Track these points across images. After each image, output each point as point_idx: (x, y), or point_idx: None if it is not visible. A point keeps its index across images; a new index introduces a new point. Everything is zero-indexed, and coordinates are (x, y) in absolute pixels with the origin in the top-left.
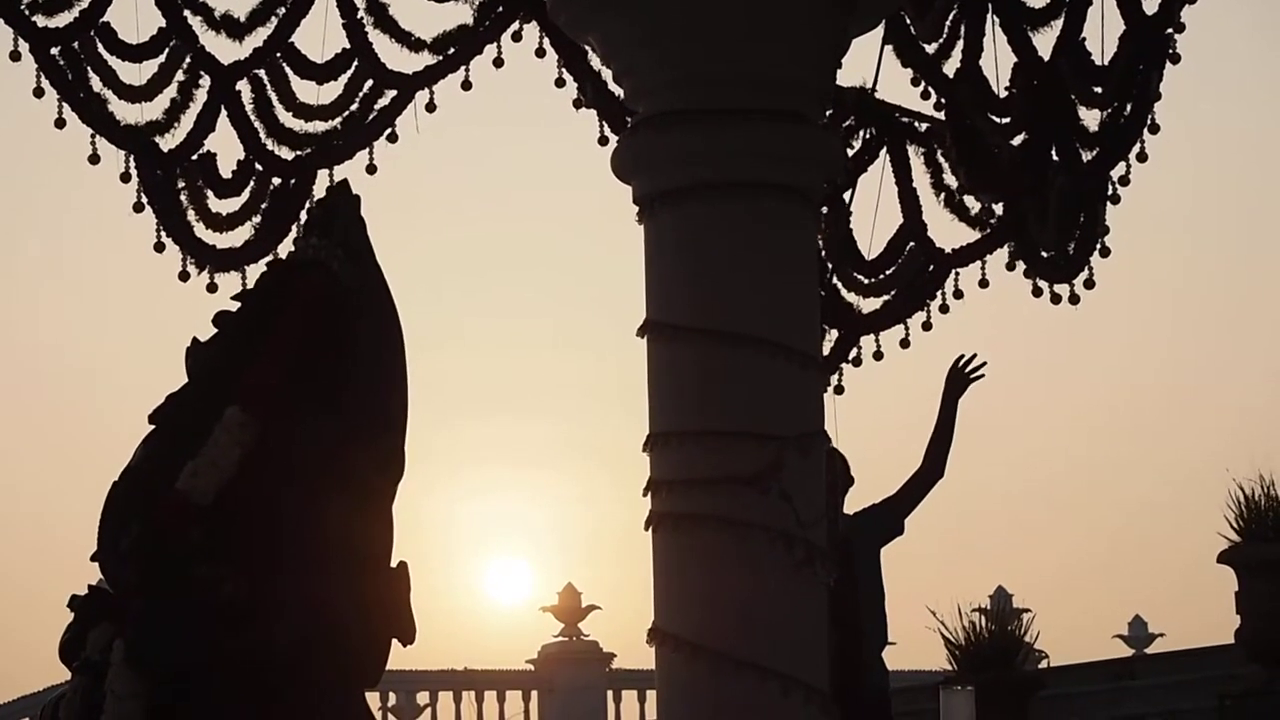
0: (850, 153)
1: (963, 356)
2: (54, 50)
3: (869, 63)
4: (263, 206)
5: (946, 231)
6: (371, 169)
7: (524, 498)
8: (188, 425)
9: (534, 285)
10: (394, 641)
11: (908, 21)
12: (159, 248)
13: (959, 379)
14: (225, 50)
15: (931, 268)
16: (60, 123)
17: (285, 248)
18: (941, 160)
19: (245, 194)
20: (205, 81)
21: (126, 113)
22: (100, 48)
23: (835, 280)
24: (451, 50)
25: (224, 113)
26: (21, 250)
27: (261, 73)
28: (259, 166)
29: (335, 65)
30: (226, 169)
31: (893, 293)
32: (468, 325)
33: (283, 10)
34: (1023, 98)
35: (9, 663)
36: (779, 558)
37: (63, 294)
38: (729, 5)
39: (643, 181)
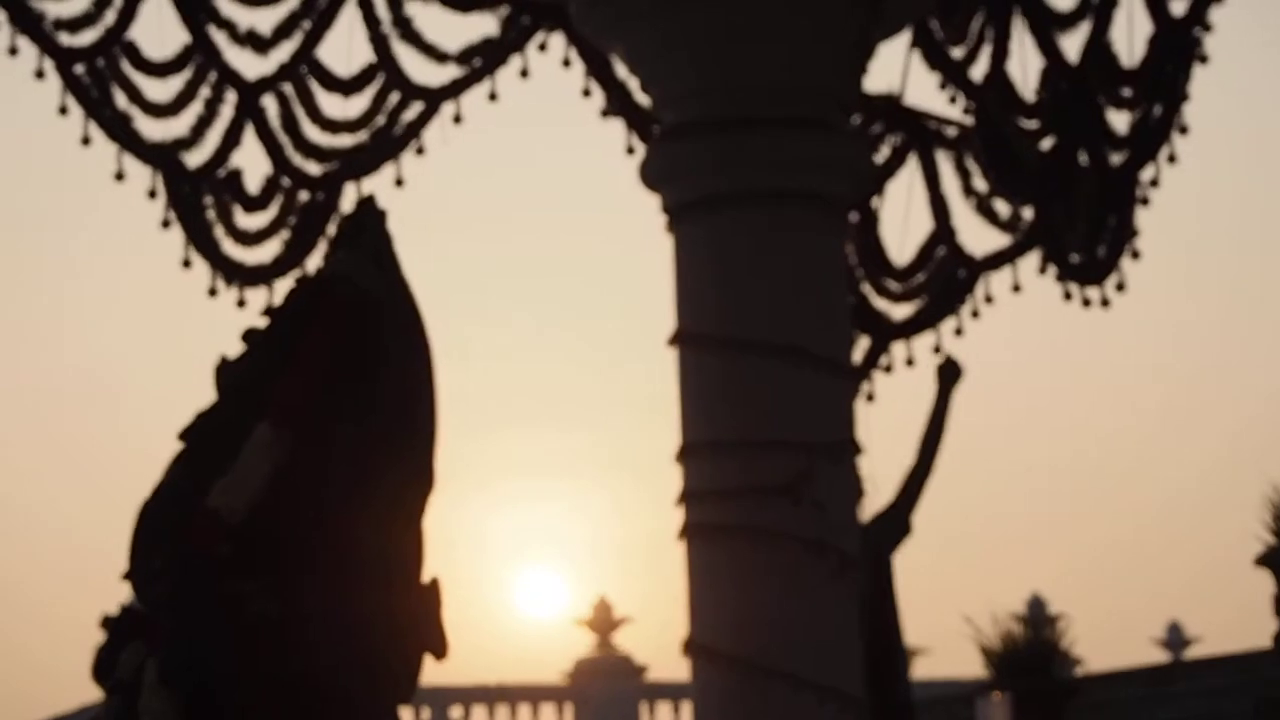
0: (879, 159)
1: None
2: (79, 68)
3: (897, 68)
4: (290, 221)
5: (976, 237)
6: (399, 182)
7: (556, 510)
8: (218, 443)
9: (563, 296)
10: (427, 656)
11: (934, 27)
12: (186, 264)
13: (951, 371)
14: (250, 65)
15: (961, 273)
16: (86, 140)
17: (313, 262)
18: (970, 165)
19: (272, 209)
20: (231, 97)
21: (152, 129)
22: (125, 65)
23: (865, 287)
24: (477, 62)
25: (250, 128)
26: (49, 267)
27: (287, 87)
28: (286, 181)
29: (361, 79)
30: (253, 184)
31: (923, 299)
32: (496, 337)
33: (308, 24)
34: (1051, 101)
35: (40, 683)
36: (812, 567)
37: (91, 311)
38: (755, 14)
39: (671, 191)
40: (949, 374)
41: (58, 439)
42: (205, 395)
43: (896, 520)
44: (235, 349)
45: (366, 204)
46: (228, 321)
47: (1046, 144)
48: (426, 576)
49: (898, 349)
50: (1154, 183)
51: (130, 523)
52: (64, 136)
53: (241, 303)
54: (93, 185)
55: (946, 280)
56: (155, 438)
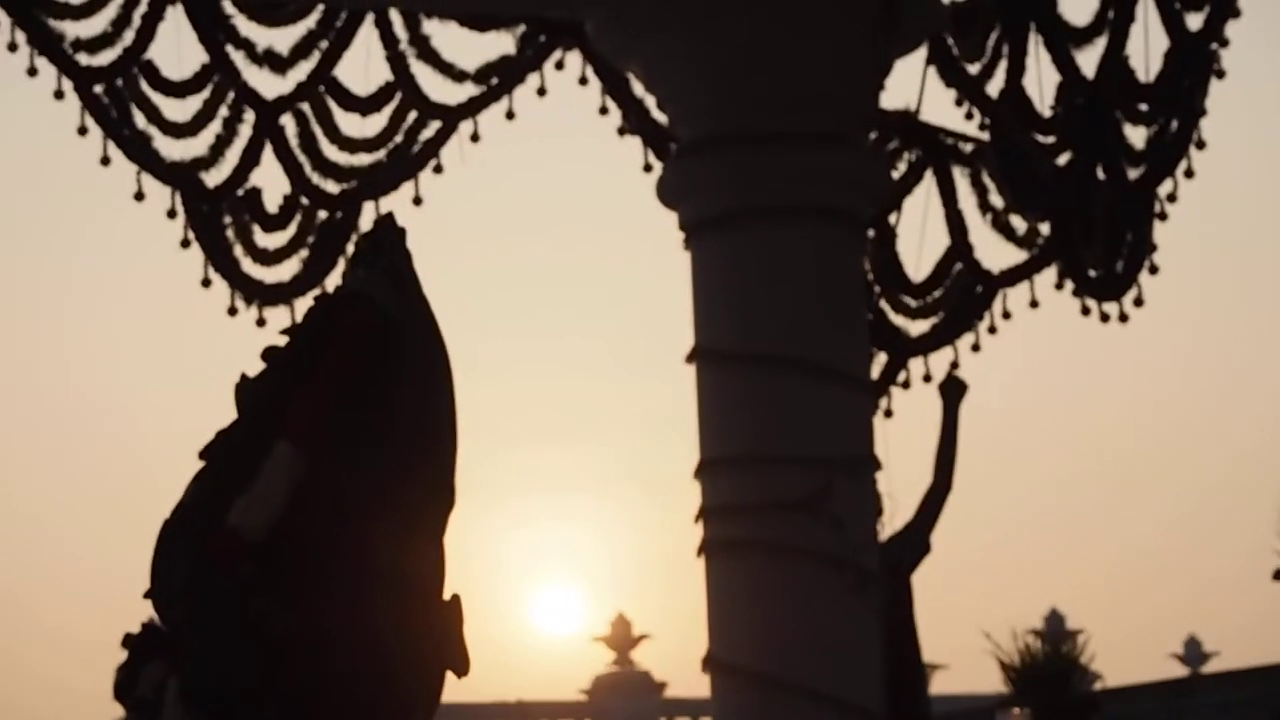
0: (895, 175)
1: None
2: (98, 88)
3: (913, 84)
4: (309, 240)
5: (993, 252)
6: (417, 200)
7: (574, 526)
8: (238, 461)
9: (582, 313)
10: (448, 674)
11: (951, 43)
12: (206, 283)
13: (955, 387)
14: (269, 85)
15: (979, 289)
16: (105, 160)
17: (333, 281)
18: (987, 181)
19: (291, 228)
20: (249, 116)
21: (171, 149)
22: (144, 85)
23: (882, 303)
24: (494, 80)
25: (268, 147)
26: (69, 288)
27: (305, 107)
28: (304, 200)
29: (379, 98)
30: (272, 203)
31: (940, 315)
32: (516, 354)
33: (325, 44)
34: (1067, 116)
35: (52, 704)
36: (830, 582)
37: (110, 331)
38: (771, 30)
39: (688, 207)
40: (953, 390)
41: (75, 460)
42: (220, 414)
43: (916, 538)
44: (255, 367)
45: (386, 222)
46: (247, 340)
47: (1063, 159)
48: (447, 593)
49: (915, 365)
50: (1171, 197)
51: (148, 541)
52: (82, 156)
53: (261, 321)
54: (111, 206)
55: (963, 296)
56: (174, 456)
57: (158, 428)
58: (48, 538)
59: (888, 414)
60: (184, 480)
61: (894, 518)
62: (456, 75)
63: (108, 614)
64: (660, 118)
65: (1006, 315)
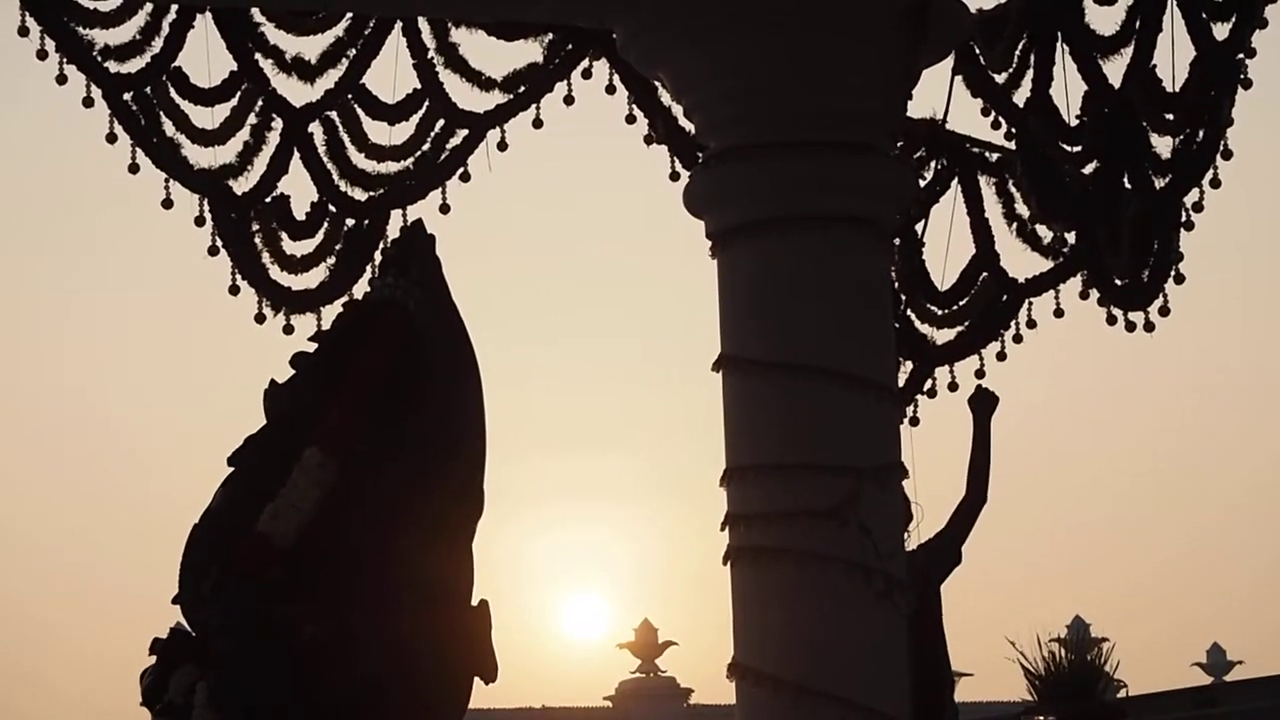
0: (922, 184)
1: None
2: (127, 96)
3: (939, 93)
4: (337, 247)
5: (1019, 261)
6: (445, 208)
7: (601, 532)
8: (267, 467)
9: (610, 321)
10: (475, 679)
11: (977, 52)
12: (234, 290)
13: (985, 399)
14: (297, 92)
15: (1004, 298)
16: (134, 168)
17: (360, 288)
18: (1013, 190)
19: (319, 235)
20: (277, 124)
21: (200, 157)
22: (173, 93)
23: (909, 312)
24: (522, 89)
25: (296, 155)
26: (96, 295)
27: (333, 114)
28: (332, 208)
29: (407, 106)
30: (300, 211)
31: (966, 323)
32: (543, 361)
33: (353, 52)
34: (1094, 126)
35: (63, 717)
36: (858, 590)
37: (138, 339)
38: (799, 39)
39: (715, 216)
40: (983, 403)
41: (102, 469)
42: (254, 420)
43: (947, 549)
44: (284, 374)
45: (415, 229)
46: (276, 347)
47: (1089, 168)
48: (475, 599)
49: (941, 374)
50: (1197, 207)
51: (177, 549)
52: (111, 164)
53: (289, 329)
54: (139, 214)
55: (989, 305)
56: (202, 464)
57: (165, 434)
58: (57, 546)
59: (914, 422)
60: (195, 487)
61: (922, 525)
62: (484, 83)
63: (120, 627)
64: (687, 126)
65: (1032, 324)
